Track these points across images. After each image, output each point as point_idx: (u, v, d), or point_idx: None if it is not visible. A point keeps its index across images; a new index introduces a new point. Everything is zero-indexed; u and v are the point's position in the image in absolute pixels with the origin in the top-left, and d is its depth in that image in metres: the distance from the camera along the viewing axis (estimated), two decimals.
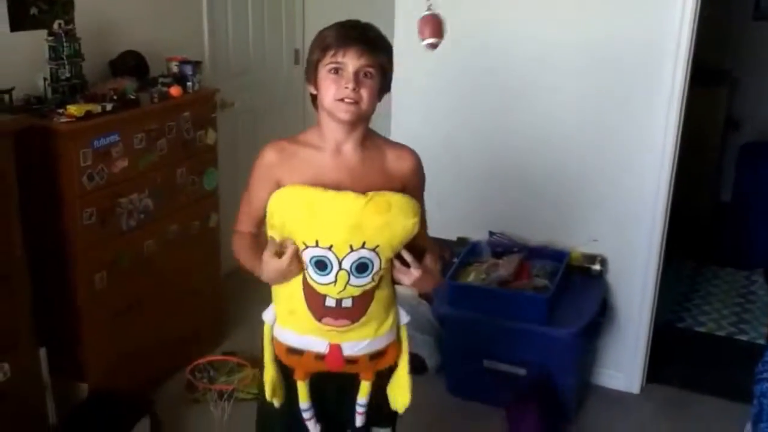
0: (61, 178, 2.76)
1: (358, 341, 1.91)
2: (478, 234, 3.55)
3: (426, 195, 2.02)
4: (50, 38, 2.90)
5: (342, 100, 1.78)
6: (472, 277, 3.29)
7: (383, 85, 1.86)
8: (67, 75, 2.93)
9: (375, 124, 1.95)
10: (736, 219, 4.99)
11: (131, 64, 3.24)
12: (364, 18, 1.88)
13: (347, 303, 1.85)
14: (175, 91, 3.17)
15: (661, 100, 3.12)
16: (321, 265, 1.81)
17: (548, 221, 3.46)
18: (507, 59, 3.35)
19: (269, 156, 1.88)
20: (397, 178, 1.91)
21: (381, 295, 1.89)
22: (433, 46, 2.31)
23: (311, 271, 1.83)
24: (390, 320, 1.95)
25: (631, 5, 3.10)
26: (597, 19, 3.16)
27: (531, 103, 3.36)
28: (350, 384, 2.00)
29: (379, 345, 1.94)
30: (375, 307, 1.89)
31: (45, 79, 2.89)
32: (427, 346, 3.48)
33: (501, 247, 3.47)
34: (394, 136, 2.12)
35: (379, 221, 1.79)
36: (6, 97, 2.76)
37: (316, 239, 1.79)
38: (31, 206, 2.67)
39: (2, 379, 2.55)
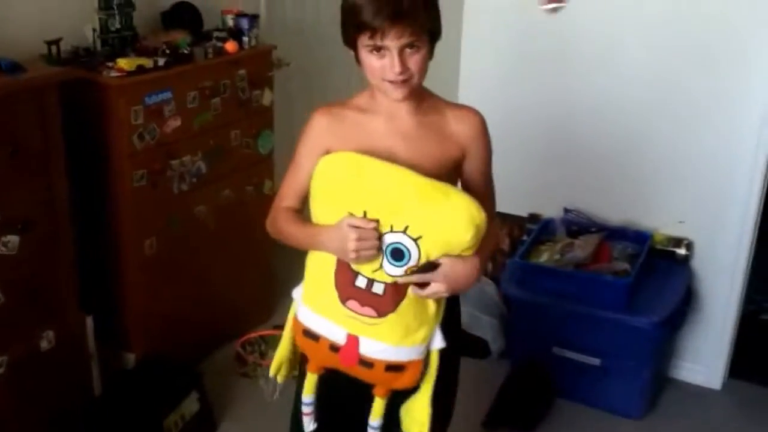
0: (110, 136, 2.59)
1: (378, 341, 1.68)
2: (551, 210, 3.30)
3: (495, 165, 1.83)
4: None
5: (390, 81, 1.63)
6: (544, 257, 3.05)
7: (432, 42, 1.67)
8: (117, 26, 2.73)
9: (441, 90, 1.77)
10: None
11: (185, 16, 3.02)
12: None
13: (378, 289, 1.65)
14: (230, 46, 2.95)
15: (760, 61, 2.80)
16: None
17: (629, 199, 3.19)
18: (584, 23, 3.06)
19: (318, 121, 1.76)
20: (457, 143, 1.74)
21: (417, 300, 1.67)
22: (555, 10, 2.10)
23: None
24: (420, 335, 1.70)
25: None
26: None
27: (613, 68, 3.08)
28: (366, 394, 1.77)
29: (399, 356, 1.70)
30: (406, 309, 1.66)
31: (94, 30, 2.69)
32: (491, 328, 3.25)
33: (577, 225, 3.22)
34: (463, 101, 1.94)
35: (430, 209, 1.60)
36: (53, 48, 2.56)
37: (365, 210, 1.61)
38: (78, 166, 2.52)
39: (47, 347, 2.44)
